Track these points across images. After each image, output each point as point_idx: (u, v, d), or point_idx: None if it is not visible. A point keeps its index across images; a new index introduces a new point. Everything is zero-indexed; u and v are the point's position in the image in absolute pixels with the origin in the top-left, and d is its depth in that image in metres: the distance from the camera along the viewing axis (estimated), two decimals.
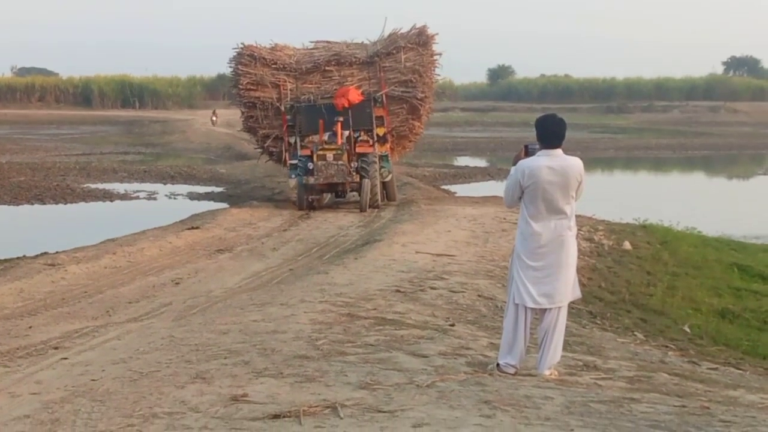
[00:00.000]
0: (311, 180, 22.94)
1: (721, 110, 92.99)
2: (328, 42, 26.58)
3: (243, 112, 25.91)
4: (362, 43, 26.22)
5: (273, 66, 24.96)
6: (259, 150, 26.82)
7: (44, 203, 27.70)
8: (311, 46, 26.58)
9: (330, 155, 22.78)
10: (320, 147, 22.97)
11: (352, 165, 23.11)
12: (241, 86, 25.12)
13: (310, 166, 22.90)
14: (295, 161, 23.95)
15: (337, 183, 23.20)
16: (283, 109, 24.69)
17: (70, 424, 6.47)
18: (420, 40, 24.99)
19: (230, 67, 25.72)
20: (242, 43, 25.55)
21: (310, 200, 23.66)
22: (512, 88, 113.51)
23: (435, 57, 25.31)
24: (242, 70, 25.07)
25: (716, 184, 43.86)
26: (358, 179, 23.20)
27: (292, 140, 24.63)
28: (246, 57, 25.09)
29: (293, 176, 24.10)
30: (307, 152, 23.48)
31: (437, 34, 25.37)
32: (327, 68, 25.00)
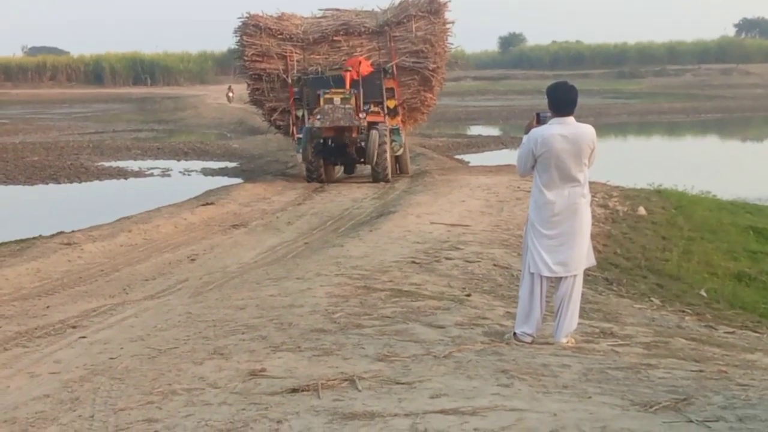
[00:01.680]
0: (317, 123, 22.32)
1: (733, 73, 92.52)
2: (337, 10, 26.07)
3: (249, 85, 25.49)
4: (372, 11, 25.68)
5: (279, 36, 24.46)
6: (267, 123, 26.43)
7: (59, 182, 27.73)
8: (320, 14, 26.01)
9: (337, 98, 22.29)
10: (327, 91, 22.46)
11: (361, 114, 22.51)
12: (246, 58, 24.64)
13: (316, 112, 22.38)
14: (302, 135, 23.34)
15: (343, 127, 22.43)
16: (289, 81, 24.24)
17: (90, 402, 6.50)
18: (432, 8, 24.40)
19: (235, 37, 25.10)
20: (248, 13, 25.03)
21: (318, 165, 23.00)
22: (524, 56, 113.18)
23: (447, 26, 24.69)
24: (247, 41, 24.59)
25: (730, 147, 43.68)
26: (365, 124, 22.52)
27: (299, 113, 24.15)
28: (251, 27, 24.61)
29: (300, 151, 23.56)
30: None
31: (450, 1, 24.77)
32: (335, 38, 24.48)
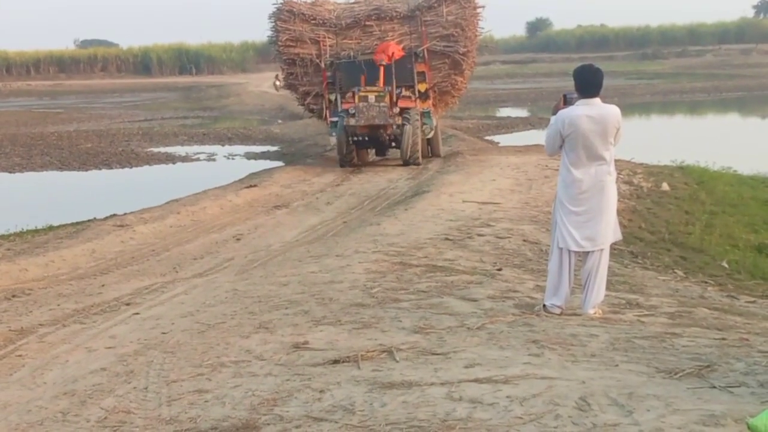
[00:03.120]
0: (352, 121, 21.74)
1: (752, 52, 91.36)
2: None
3: (283, 69, 25.05)
4: None
5: (312, 22, 23.92)
6: (302, 107, 25.97)
7: (111, 168, 27.90)
8: (352, 0, 25.40)
9: (372, 96, 21.83)
10: (362, 89, 22.01)
11: (395, 110, 22.00)
12: (280, 43, 24.14)
13: (352, 111, 21.83)
14: (335, 119, 22.85)
15: (378, 125, 21.88)
16: (322, 65, 23.73)
17: (144, 375, 6.57)
18: None
19: (270, 23, 24.51)
20: None
21: (349, 152, 22.60)
22: (550, 40, 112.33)
23: (478, 10, 24.01)
24: (281, 27, 24.05)
25: (750, 123, 43.18)
26: (400, 122, 21.91)
27: (332, 97, 23.72)
28: (285, 13, 24.06)
29: (334, 134, 23.08)
30: (348, 106, 22.27)
31: None
32: (367, 23, 23.88)
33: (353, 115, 21.75)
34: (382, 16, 23.89)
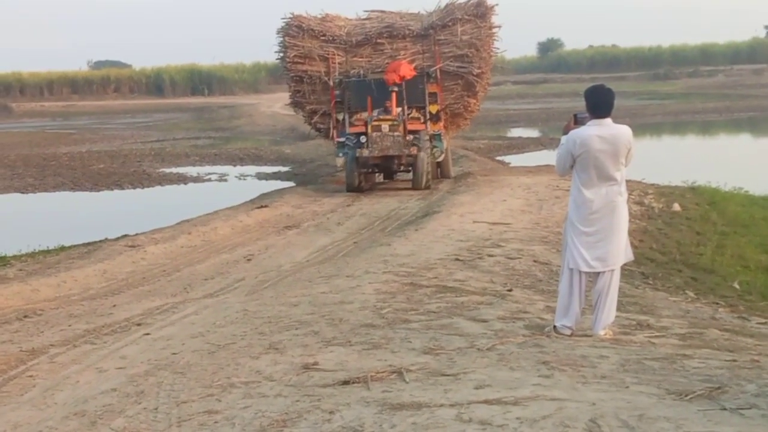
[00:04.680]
0: (365, 152, 20.94)
1: (764, 73, 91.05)
2: (381, 12, 24.74)
3: (290, 86, 24.24)
4: (417, 13, 24.39)
5: (322, 38, 23.20)
6: (308, 125, 25.16)
7: (123, 188, 27.99)
8: (364, 16, 24.76)
9: (386, 126, 20.97)
10: (375, 118, 21.13)
11: (408, 139, 21.20)
12: (288, 59, 23.42)
13: (363, 139, 21.06)
14: (342, 139, 21.98)
15: (392, 156, 21.10)
16: (331, 83, 22.91)
17: (154, 395, 6.57)
18: (478, 12, 23.02)
19: (278, 38, 23.77)
20: (291, 13, 23.86)
21: (359, 181, 21.63)
22: (562, 60, 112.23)
23: (493, 30, 23.35)
24: (290, 42, 23.31)
25: (762, 144, 43.10)
26: (414, 152, 21.11)
27: (340, 117, 22.76)
28: (294, 28, 23.35)
29: (341, 155, 22.14)
30: (356, 129, 21.64)
31: (497, 5, 23.38)
32: (379, 41, 23.18)
33: (365, 146, 21.04)
34: (395, 34, 23.28)
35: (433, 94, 22.74)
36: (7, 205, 26.21)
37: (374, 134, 20.98)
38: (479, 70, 23.12)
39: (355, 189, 21.70)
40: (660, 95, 75.08)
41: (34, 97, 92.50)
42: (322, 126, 24.31)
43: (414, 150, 21.20)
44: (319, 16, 24.17)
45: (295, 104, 24.66)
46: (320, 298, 9.85)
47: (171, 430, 5.77)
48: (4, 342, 9.13)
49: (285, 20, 23.79)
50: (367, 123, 21.23)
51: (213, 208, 20.57)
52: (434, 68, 22.78)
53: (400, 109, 21.62)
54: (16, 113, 77.51)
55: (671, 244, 15.37)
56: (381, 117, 21.24)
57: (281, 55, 24.01)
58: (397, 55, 23.00)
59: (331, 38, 23.34)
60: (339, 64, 23.21)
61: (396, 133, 20.96)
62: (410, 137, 21.36)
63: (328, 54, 23.27)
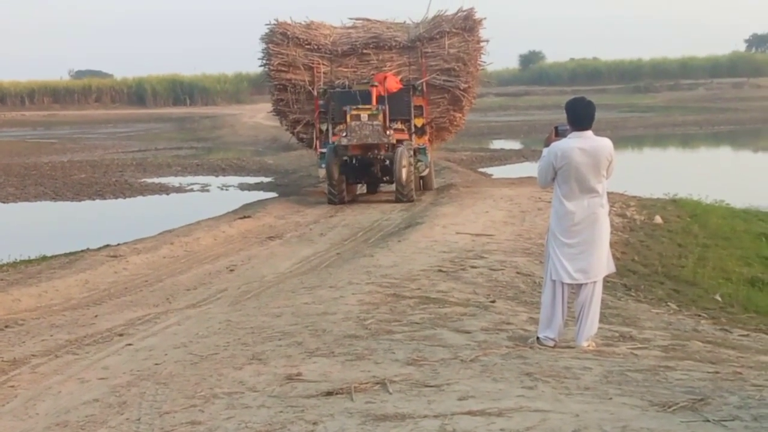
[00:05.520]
0: (344, 140, 20.59)
1: (744, 86, 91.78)
2: (368, 20, 24.47)
3: (273, 94, 23.82)
4: (404, 24, 24.10)
5: (307, 47, 22.86)
6: (290, 135, 24.77)
7: (104, 198, 27.87)
8: (350, 24, 24.42)
9: (365, 115, 20.56)
10: (354, 108, 20.73)
11: (389, 131, 20.79)
12: (271, 67, 23.11)
13: (344, 132, 20.77)
14: (325, 150, 21.50)
15: (371, 145, 20.69)
16: (315, 93, 22.63)
17: (137, 406, 6.54)
18: (466, 25, 22.80)
19: (262, 44, 23.41)
20: (276, 20, 23.43)
21: (341, 188, 21.16)
22: (543, 73, 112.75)
23: (481, 44, 23.12)
24: (274, 50, 22.98)
25: (742, 157, 43.36)
26: (394, 141, 20.71)
27: (323, 127, 22.48)
28: (278, 35, 23.02)
29: (323, 165, 21.63)
30: (338, 138, 21.13)
31: (485, 18, 23.15)
32: (365, 51, 22.92)
33: (345, 135, 20.73)
34: (381, 45, 23.00)
35: (418, 108, 22.49)
36: None
37: (353, 123, 20.63)
38: (466, 85, 22.90)
39: (337, 196, 21.19)
40: (640, 108, 75.47)
41: (15, 106, 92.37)
42: (304, 136, 24.00)
43: (393, 138, 20.84)
44: (304, 24, 23.84)
45: (278, 113, 24.29)
46: (303, 308, 9.83)
47: None
48: None
49: (269, 27, 23.45)
50: (347, 113, 20.84)
51: (195, 218, 20.53)
52: (421, 81, 22.51)
53: (382, 106, 21.14)
54: None
55: (653, 256, 15.43)
56: (360, 107, 20.87)
57: (265, 62, 23.63)
58: (383, 67, 22.74)
59: (316, 47, 23.02)
60: (324, 73, 22.93)
61: (375, 122, 20.60)
62: (391, 131, 20.98)
63: (312, 63, 22.97)
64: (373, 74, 22.33)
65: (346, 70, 23.02)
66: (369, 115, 20.68)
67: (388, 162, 21.22)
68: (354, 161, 21.41)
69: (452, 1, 45.34)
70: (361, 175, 22.11)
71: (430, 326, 8.62)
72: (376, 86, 21.40)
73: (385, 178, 21.95)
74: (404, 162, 20.83)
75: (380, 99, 21.37)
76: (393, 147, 20.92)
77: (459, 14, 23.12)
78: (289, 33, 23.10)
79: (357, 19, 24.73)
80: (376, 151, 21.08)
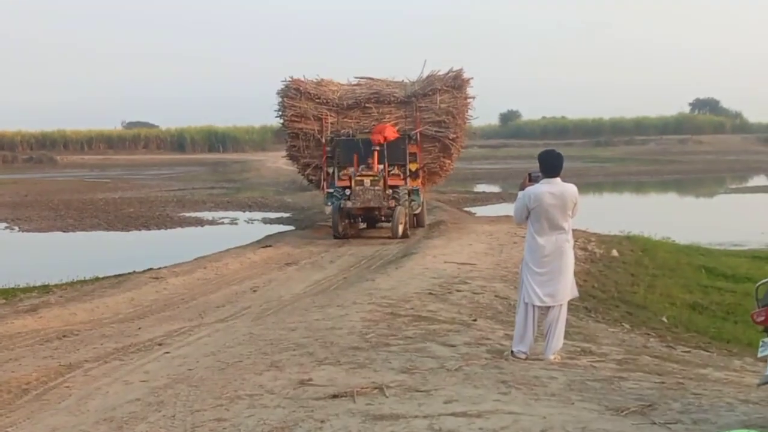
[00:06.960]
0: (349, 204, 20.49)
1: (688, 142, 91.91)
2: (370, 79, 24.28)
3: (287, 141, 23.59)
4: (402, 82, 23.86)
5: (317, 100, 22.66)
6: (301, 176, 24.60)
7: (149, 229, 27.88)
8: (355, 81, 24.23)
9: (367, 181, 20.53)
10: (358, 174, 20.72)
11: (388, 192, 20.87)
12: (286, 117, 22.91)
13: (348, 192, 20.67)
14: (331, 190, 21.49)
15: (373, 207, 20.70)
16: (323, 141, 22.47)
17: (172, 405, 6.52)
18: (456, 84, 22.66)
19: (278, 98, 23.17)
20: (290, 77, 23.28)
21: (343, 228, 20.94)
22: (519, 128, 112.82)
23: (468, 100, 22.95)
24: (288, 103, 22.78)
25: (686, 201, 43.39)
26: (393, 205, 20.67)
27: (330, 170, 22.28)
28: (292, 90, 22.81)
29: (329, 204, 21.52)
30: (343, 183, 21.24)
31: (472, 78, 22.97)
32: (367, 105, 22.71)
33: (349, 198, 20.61)
34: (381, 100, 22.84)
35: (413, 154, 22.38)
36: (50, 242, 26.07)
37: (357, 188, 20.55)
38: (455, 135, 22.74)
39: (340, 236, 21.07)
40: (601, 159, 75.54)
41: (75, 151, 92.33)
42: (313, 177, 23.82)
43: (392, 203, 20.84)
44: (315, 81, 23.67)
45: (291, 157, 24.12)
46: (314, 324, 9.80)
47: None
48: (45, 357, 9.04)
49: (284, 83, 23.33)
50: (351, 178, 20.87)
51: (225, 246, 20.50)
52: (415, 132, 22.41)
53: (381, 166, 21.24)
54: (60, 164, 77.47)
55: (610, 283, 15.40)
56: (363, 173, 20.84)
57: (280, 113, 23.48)
58: (382, 119, 22.60)
59: (324, 101, 22.85)
60: (331, 123, 22.76)
61: (377, 188, 20.54)
62: (390, 191, 21.00)
63: (321, 114, 22.79)
64: (374, 125, 22.25)
65: (350, 121, 22.85)
66: (372, 181, 20.63)
67: (388, 217, 21.29)
68: (359, 218, 21.62)
69: (444, 62, 45.70)
70: (364, 220, 22.16)
71: (421, 340, 8.59)
72: (377, 150, 21.13)
73: (383, 219, 21.82)
74: (402, 219, 20.79)
75: (381, 151, 21.26)
76: (392, 208, 20.85)
77: (449, 74, 23.01)
78: (301, 88, 22.96)
79: (361, 77, 24.67)
80: (377, 212, 21.15)
